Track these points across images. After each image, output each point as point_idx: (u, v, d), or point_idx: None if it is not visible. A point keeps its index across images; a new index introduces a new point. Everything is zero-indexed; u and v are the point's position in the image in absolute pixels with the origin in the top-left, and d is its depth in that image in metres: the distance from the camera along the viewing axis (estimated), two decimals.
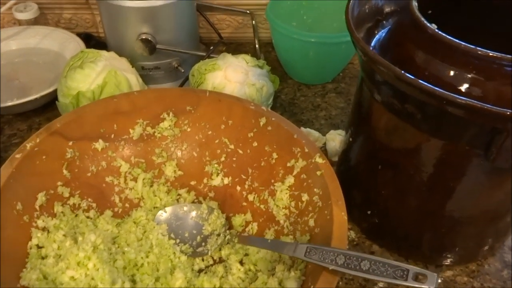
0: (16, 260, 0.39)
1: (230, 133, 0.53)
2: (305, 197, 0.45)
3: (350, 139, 0.49)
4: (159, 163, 0.54)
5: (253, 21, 0.80)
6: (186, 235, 0.49)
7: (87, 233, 0.43)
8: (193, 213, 0.51)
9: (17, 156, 0.44)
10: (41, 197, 0.45)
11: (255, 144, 0.52)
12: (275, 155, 0.50)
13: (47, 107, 0.68)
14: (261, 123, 0.51)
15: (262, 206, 0.50)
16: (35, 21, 0.77)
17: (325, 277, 0.34)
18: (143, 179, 0.53)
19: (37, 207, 0.44)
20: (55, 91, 0.64)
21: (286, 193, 0.48)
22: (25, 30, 0.75)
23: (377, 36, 0.44)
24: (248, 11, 0.80)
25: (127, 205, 0.52)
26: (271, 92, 0.62)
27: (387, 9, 0.45)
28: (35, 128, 0.65)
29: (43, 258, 0.41)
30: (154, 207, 0.52)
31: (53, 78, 0.70)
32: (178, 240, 0.48)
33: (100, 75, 0.57)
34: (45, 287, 0.37)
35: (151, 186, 0.53)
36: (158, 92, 0.54)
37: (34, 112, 0.67)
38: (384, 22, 0.45)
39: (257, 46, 0.80)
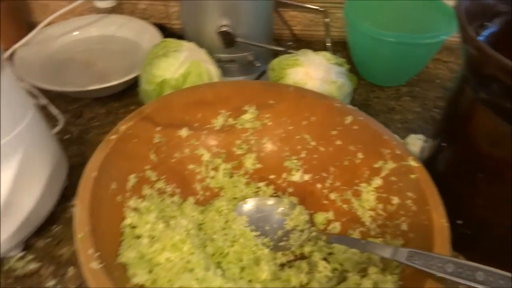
0: (112, 237, 0.40)
1: (312, 130, 0.53)
2: (395, 200, 0.44)
3: (442, 145, 0.48)
4: (239, 155, 0.54)
5: (327, 19, 0.79)
6: (267, 228, 0.49)
7: (179, 217, 0.43)
8: (275, 207, 0.50)
9: (112, 137, 0.45)
10: (132, 179, 0.46)
11: (338, 142, 0.51)
12: (360, 155, 0.49)
13: (125, 93, 0.70)
14: (346, 122, 0.50)
15: (344, 206, 0.49)
16: (111, 10, 0.79)
17: (431, 284, 0.33)
18: (224, 169, 0.53)
19: (128, 188, 0.45)
20: (133, 78, 0.66)
21: (373, 195, 0.47)
22: (103, 18, 0.77)
23: (483, 35, 0.43)
24: (321, 9, 0.79)
25: (207, 193, 0.52)
26: (349, 91, 0.61)
27: (496, 9, 0.43)
28: (113, 112, 0.67)
29: (136, 238, 0.42)
30: (233, 198, 0.52)
31: (129, 66, 0.71)
32: (259, 233, 0.48)
33: (183, 65, 0.57)
34: (142, 265, 0.38)
35: (231, 177, 0.53)
36: (242, 84, 0.54)
37: (111, 97, 0.69)
38: (491, 22, 0.43)
39: (328, 44, 0.79)
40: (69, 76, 0.69)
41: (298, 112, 0.53)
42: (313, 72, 0.58)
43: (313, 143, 0.53)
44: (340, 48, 0.82)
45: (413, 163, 0.43)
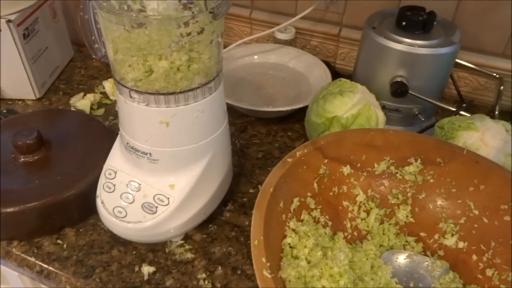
0: (276, 251, 0.44)
1: (478, 198, 0.51)
2: None
3: None
4: (392, 204, 0.55)
5: (501, 87, 0.76)
6: (411, 285, 0.48)
7: (336, 250, 0.45)
8: (424, 265, 0.49)
9: (289, 160, 0.49)
10: (296, 202, 0.49)
11: (507, 218, 0.48)
12: None
13: (285, 118, 0.75)
14: None
15: (503, 287, 0.46)
16: (288, 42, 0.86)
17: None
18: (376, 214, 0.54)
19: (291, 209, 0.49)
20: (298, 108, 0.70)
21: None
22: (280, 48, 0.84)
23: None
24: (497, 75, 0.76)
25: (355, 233, 0.53)
26: None
27: None
28: (272, 134, 0.73)
29: (294, 258, 0.44)
30: (380, 245, 0.52)
31: (295, 95, 0.77)
32: (402, 287, 0.47)
33: (356, 106, 0.60)
34: (301, 287, 0.40)
35: (381, 223, 0.54)
36: (413, 136, 0.55)
37: (272, 120, 0.75)
38: None
39: (497, 112, 0.76)
40: (242, 93, 0.77)
41: (467, 176, 0.51)
42: (489, 139, 0.56)
43: (476, 212, 0.51)
44: (508, 118, 0.77)
45: None
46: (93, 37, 0.46)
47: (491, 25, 0.73)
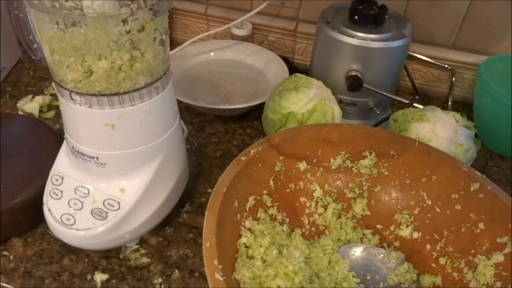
0: (230, 252, 0.43)
1: (431, 189, 0.52)
2: None
3: None
4: (349, 198, 0.55)
5: (453, 78, 0.78)
6: (368, 278, 0.48)
7: (291, 247, 0.45)
8: (380, 257, 0.50)
9: (243, 158, 0.48)
10: (251, 200, 0.48)
11: (458, 207, 0.49)
12: (481, 225, 0.47)
13: (243, 116, 0.74)
14: (472, 188, 0.48)
15: (455, 274, 0.47)
16: (245, 38, 0.85)
17: None
18: (333, 209, 0.54)
19: (247, 208, 0.48)
20: (257, 105, 0.70)
21: (491, 270, 0.44)
22: (237, 45, 0.83)
23: None
24: (448, 67, 0.78)
25: (313, 229, 0.53)
26: (474, 157, 0.59)
27: None
28: (231, 132, 0.72)
29: (250, 258, 0.44)
30: (338, 239, 0.52)
31: (253, 92, 0.76)
32: (359, 280, 0.48)
33: (311, 101, 0.60)
34: (255, 287, 0.39)
35: (339, 217, 0.54)
36: (367, 130, 0.55)
37: (231, 117, 0.74)
38: None
39: (450, 103, 0.77)
40: (198, 92, 0.75)
41: (420, 167, 0.52)
42: (440, 130, 0.57)
43: (428, 202, 0.52)
44: (461, 108, 0.80)
45: None
46: (30, 37, 0.44)
47: (440, 18, 0.75)
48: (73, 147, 0.47)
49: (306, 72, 0.76)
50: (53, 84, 0.75)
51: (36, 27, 0.39)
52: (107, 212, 0.46)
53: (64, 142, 0.51)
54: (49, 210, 0.47)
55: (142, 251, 0.53)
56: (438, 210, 0.51)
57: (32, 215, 0.52)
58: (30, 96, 0.74)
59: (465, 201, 0.49)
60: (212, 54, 0.82)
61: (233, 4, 0.86)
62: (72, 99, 0.42)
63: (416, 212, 0.52)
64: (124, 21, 0.37)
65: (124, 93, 0.41)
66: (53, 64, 0.41)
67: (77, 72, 0.39)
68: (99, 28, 0.36)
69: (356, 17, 0.65)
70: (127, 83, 0.41)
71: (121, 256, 0.52)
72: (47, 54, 0.40)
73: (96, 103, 0.41)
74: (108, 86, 0.40)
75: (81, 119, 0.44)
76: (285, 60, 0.84)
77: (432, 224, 0.51)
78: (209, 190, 0.61)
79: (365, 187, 0.55)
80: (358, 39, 0.63)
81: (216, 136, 0.71)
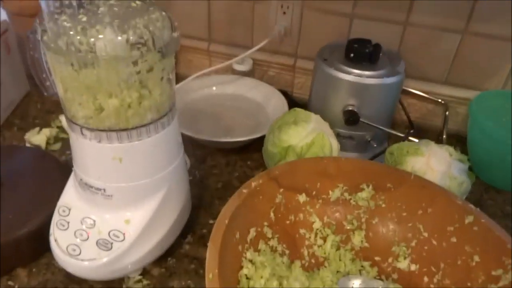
0: (232, 283, 0.44)
1: (427, 221, 0.53)
2: None
3: None
4: (347, 229, 0.56)
5: (447, 112, 0.80)
6: None
7: (291, 279, 0.46)
8: None
9: (244, 190, 0.50)
10: (252, 232, 0.50)
11: (453, 239, 0.51)
12: (476, 258, 0.48)
13: (244, 148, 0.76)
14: (466, 221, 0.50)
15: None
16: (245, 73, 0.88)
17: None
18: (332, 241, 0.55)
19: (248, 239, 0.49)
20: (257, 138, 0.72)
21: None
22: (238, 79, 0.87)
23: None
24: (442, 101, 0.81)
25: (313, 260, 0.54)
26: (468, 190, 0.60)
27: None
28: (232, 164, 0.74)
29: None
30: (337, 271, 0.53)
31: (253, 125, 0.79)
32: None
33: (310, 135, 0.62)
34: None
35: (338, 249, 0.55)
36: (364, 163, 0.57)
37: (232, 150, 0.76)
38: None
39: (444, 136, 0.80)
40: (200, 125, 0.78)
41: (415, 200, 0.54)
42: (434, 164, 0.59)
43: (425, 234, 0.53)
44: (455, 141, 0.82)
45: None
46: (44, 75, 0.47)
47: (432, 56, 0.78)
48: (81, 179, 0.48)
49: (305, 105, 0.79)
50: (60, 117, 0.78)
51: (52, 67, 0.42)
52: (112, 243, 0.48)
53: (72, 174, 0.53)
54: (55, 240, 0.49)
55: (145, 282, 0.54)
56: (434, 242, 0.52)
57: (37, 245, 0.53)
58: (37, 129, 0.76)
59: (460, 234, 0.50)
60: (214, 88, 0.85)
61: (234, 40, 0.90)
62: (82, 134, 0.44)
63: (413, 244, 0.54)
64: (134, 63, 0.40)
65: (132, 128, 0.44)
66: (66, 101, 0.43)
67: (89, 109, 0.41)
68: (111, 69, 0.39)
69: (352, 54, 0.68)
70: (135, 119, 0.43)
71: (123, 287, 0.53)
72: (61, 92, 0.43)
73: (105, 138, 0.44)
74: (117, 122, 0.43)
75: (90, 153, 0.45)
76: (284, 93, 0.87)
77: (429, 256, 0.52)
78: (210, 221, 0.62)
79: (363, 219, 0.56)
80: (354, 75, 0.66)
81: (217, 168, 0.73)
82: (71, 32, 0.37)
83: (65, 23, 0.38)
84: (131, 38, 0.38)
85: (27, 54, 0.44)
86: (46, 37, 0.39)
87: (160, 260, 0.56)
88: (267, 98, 0.83)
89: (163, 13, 0.42)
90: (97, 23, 0.38)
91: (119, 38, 0.38)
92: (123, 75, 0.40)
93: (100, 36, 0.38)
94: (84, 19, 0.38)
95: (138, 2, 0.43)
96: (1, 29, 0.77)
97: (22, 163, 0.62)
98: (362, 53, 0.68)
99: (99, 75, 0.39)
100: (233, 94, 0.85)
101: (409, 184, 0.54)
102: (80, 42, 0.37)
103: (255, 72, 0.91)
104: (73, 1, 0.39)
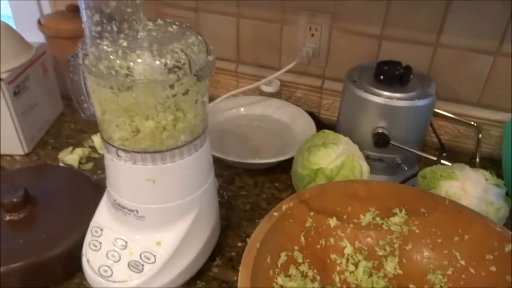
0: None
1: (463, 248, 0.51)
2: None
3: None
4: (380, 255, 0.55)
5: (480, 135, 0.78)
6: None
7: None
8: None
9: (275, 214, 0.49)
10: (283, 256, 0.49)
11: (492, 268, 0.49)
12: None
13: (271, 169, 0.76)
14: (506, 249, 0.48)
15: None
16: (273, 94, 0.89)
17: None
18: (364, 267, 0.54)
19: (279, 264, 0.48)
20: (285, 160, 0.72)
21: None
22: (265, 100, 0.87)
23: None
24: (474, 123, 0.79)
25: (344, 287, 0.53)
26: (506, 216, 0.58)
27: None
28: (259, 185, 0.73)
29: None
30: None
31: (280, 146, 0.78)
32: None
33: (339, 157, 0.61)
34: None
35: (370, 276, 0.54)
36: (396, 187, 0.56)
37: (259, 171, 0.76)
38: None
39: (477, 160, 0.78)
40: (228, 145, 0.78)
41: (451, 226, 0.52)
42: (469, 188, 0.57)
43: (462, 262, 0.51)
44: (488, 164, 0.80)
45: None
46: (82, 97, 0.48)
47: (464, 77, 0.77)
48: (114, 200, 0.49)
49: (332, 126, 0.78)
50: (92, 137, 0.80)
51: (91, 90, 0.43)
52: (143, 265, 0.48)
53: (105, 194, 0.53)
54: (88, 261, 0.49)
55: None
56: (472, 271, 0.50)
57: (69, 265, 0.54)
58: (70, 148, 0.78)
59: (500, 263, 0.48)
60: (242, 109, 0.86)
61: (262, 62, 0.91)
62: (118, 155, 0.45)
63: (449, 272, 0.52)
64: (171, 86, 0.40)
65: (166, 150, 0.44)
66: (103, 123, 0.44)
67: (125, 131, 0.42)
68: (148, 92, 0.40)
69: (382, 77, 0.68)
70: (169, 141, 0.44)
71: None
72: (98, 114, 0.44)
73: (140, 160, 0.44)
74: (152, 144, 0.43)
75: (124, 174, 0.46)
76: (311, 115, 0.87)
77: (466, 285, 0.50)
78: (239, 244, 0.62)
79: (396, 245, 0.55)
80: (384, 98, 0.66)
81: (245, 189, 0.73)
82: (112, 57, 0.38)
83: (106, 47, 0.39)
84: (168, 62, 0.39)
85: (67, 77, 0.46)
86: (87, 61, 0.40)
87: (189, 283, 0.55)
88: (295, 119, 0.83)
89: (199, 37, 0.43)
90: (136, 48, 0.39)
91: (157, 62, 0.39)
92: (159, 98, 0.40)
93: (139, 60, 0.39)
94: (125, 43, 0.39)
95: (175, 27, 0.44)
96: (40, 51, 0.80)
97: (56, 183, 0.63)
98: (392, 75, 0.67)
99: (137, 98, 0.40)
100: (261, 115, 0.85)
101: (443, 209, 0.53)
102: (120, 66, 0.38)
103: (282, 93, 0.92)
104: (114, 26, 0.40)
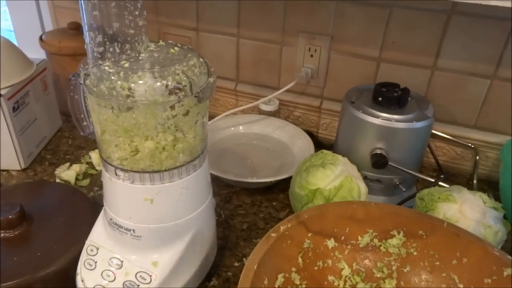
0: None
1: (462, 272, 0.51)
2: None
3: None
4: (377, 278, 0.54)
5: (477, 157, 0.79)
6: None
7: None
8: None
9: (273, 235, 0.49)
10: (280, 278, 0.48)
11: None
12: None
13: (269, 188, 0.76)
14: (505, 274, 0.47)
15: None
16: (271, 113, 0.89)
17: None
18: None
19: (276, 286, 0.48)
20: (283, 179, 0.72)
21: None
22: (264, 119, 0.87)
23: None
24: (471, 145, 0.80)
25: None
26: (504, 239, 0.58)
27: None
28: (257, 204, 0.73)
29: None
30: None
31: (278, 166, 0.79)
32: None
33: (338, 178, 0.62)
34: None
35: None
36: (394, 209, 0.56)
37: (257, 190, 0.76)
38: None
39: (475, 182, 0.78)
40: (226, 163, 0.78)
41: (449, 249, 0.52)
42: (467, 211, 0.57)
43: (460, 286, 0.51)
44: (486, 186, 0.80)
45: None
46: (82, 116, 0.48)
47: (461, 100, 0.78)
48: (111, 219, 0.49)
49: (330, 146, 0.79)
50: (90, 153, 0.80)
51: (91, 109, 0.43)
52: (138, 285, 0.47)
53: (101, 213, 0.53)
54: (82, 280, 0.48)
55: None
56: None
57: (63, 284, 0.53)
58: (67, 164, 0.78)
59: (499, 287, 0.48)
60: (241, 127, 0.86)
61: (261, 81, 0.91)
62: (116, 174, 0.45)
63: None
64: (172, 107, 0.41)
65: (165, 170, 0.44)
66: (102, 142, 0.44)
67: (125, 151, 0.42)
68: (149, 113, 0.40)
69: (380, 98, 0.68)
70: (168, 162, 0.44)
71: None
72: (98, 133, 0.44)
73: (138, 179, 0.44)
74: (151, 164, 0.43)
75: (122, 193, 0.46)
76: (310, 134, 0.87)
77: None
78: (235, 264, 0.61)
79: (394, 267, 0.55)
80: (382, 119, 0.66)
81: (243, 208, 0.72)
82: (113, 77, 0.39)
83: (107, 68, 0.39)
84: (169, 84, 0.39)
85: (68, 96, 0.46)
86: (89, 81, 0.40)
87: None
88: (293, 139, 0.83)
89: (201, 59, 0.43)
90: (138, 69, 0.39)
91: (158, 83, 0.39)
92: (160, 119, 0.40)
93: (141, 81, 0.39)
94: (126, 65, 0.40)
95: (176, 48, 0.44)
96: (40, 67, 0.80)
97: (52, 200, 0.63)
98: (390, 97, 0.68)
99: (137, 118, 0.40)
100: (259, 134, 0.86)
101: (442, 232, 0.53)
102: (122, 87, 0.38)
103: (281, 112, 0.92)
104: (116, 47, 0.40)
